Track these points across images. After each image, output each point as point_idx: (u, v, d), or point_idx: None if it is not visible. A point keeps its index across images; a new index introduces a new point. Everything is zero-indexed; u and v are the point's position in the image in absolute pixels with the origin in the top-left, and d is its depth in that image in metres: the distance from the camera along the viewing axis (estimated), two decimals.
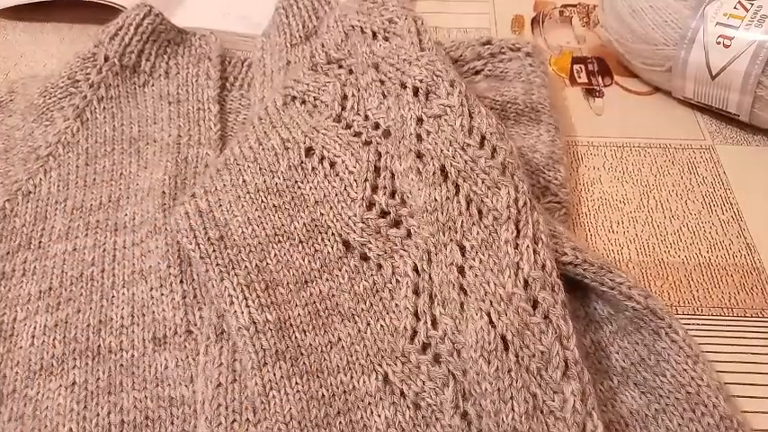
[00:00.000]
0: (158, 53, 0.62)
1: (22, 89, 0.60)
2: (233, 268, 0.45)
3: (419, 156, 0.47)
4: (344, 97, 0.53)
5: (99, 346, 0.44)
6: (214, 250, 0.45)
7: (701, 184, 0.57)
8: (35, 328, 0.45)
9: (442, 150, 0.47)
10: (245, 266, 0.45)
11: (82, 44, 0.67)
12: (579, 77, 0.68)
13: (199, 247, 0.46)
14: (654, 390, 0.42)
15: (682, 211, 0.55)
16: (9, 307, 0.46)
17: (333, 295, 0.45)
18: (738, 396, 0.44)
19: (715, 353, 0.46)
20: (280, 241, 0.47)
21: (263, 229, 0.47)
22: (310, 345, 0.42)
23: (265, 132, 0.52)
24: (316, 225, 0.47)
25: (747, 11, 0.57)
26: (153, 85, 0.60)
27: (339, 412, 0.40)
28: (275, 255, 0.46)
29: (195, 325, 0.45)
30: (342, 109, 0.52)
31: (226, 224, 0.47)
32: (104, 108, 0.58)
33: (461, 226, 0.44)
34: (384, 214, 0.47)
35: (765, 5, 0.57)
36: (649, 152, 0.60)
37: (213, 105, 0.59)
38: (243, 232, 0.47)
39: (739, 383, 0.44)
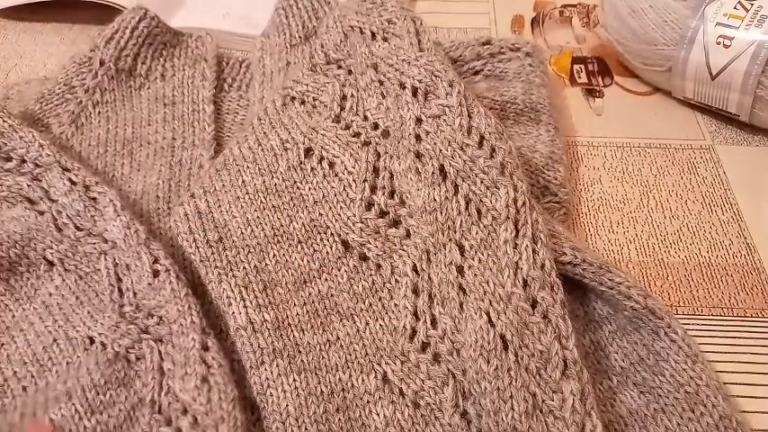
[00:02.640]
0: (154, 56, 0.62)
1: (18, 96, 0.60)
2: (231, 270, 0.45)
3: (418, 156, 0.47)
4: (343, 98, 0.53)
5: None
6: (213, 253, 0.46)
7: (701, 184, 0.57)
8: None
9: (440, 150, 0.47)
10: (244, 267, 0.45)
11: (82, 44, 0.67)
12: (579, 77, 0.68)
13: (198, 251, 0.46)
14: (653, 389, 0.42)
15: (682, 211, 0.55)
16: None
17: (332, 295, 0.45)
18: (738, 396, 0.44)
19: (715, 353, 0.46)
20: (279, 242, 0.47)
21: (262, 229, 0.47)
22: (309, 343, 0.42)
23: (264, 133, 0.52)
24: (315, 225, 0.47)
25: (747, 11, 0.57)
26: (149, 88, 0.60)
27: (338, 409, 0.40)
28: (274, 255, 0.46)
29: None
30: (341, 109, 0.52)
31: (225, 225, 0.47)
32: (99, 112, 0.58)
33: (460, 226, 0.44)
34: (383, 214, 0.47)
35: (765, 5, 0.57)
36: (649, 152, 0.60)
37: (208, 106, 0.59)
38: (242, 233, 0.47)
39: (739, 383, 0.44)
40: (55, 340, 0.43)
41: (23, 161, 0.49)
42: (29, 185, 0.48)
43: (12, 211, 0.48)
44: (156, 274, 0.44)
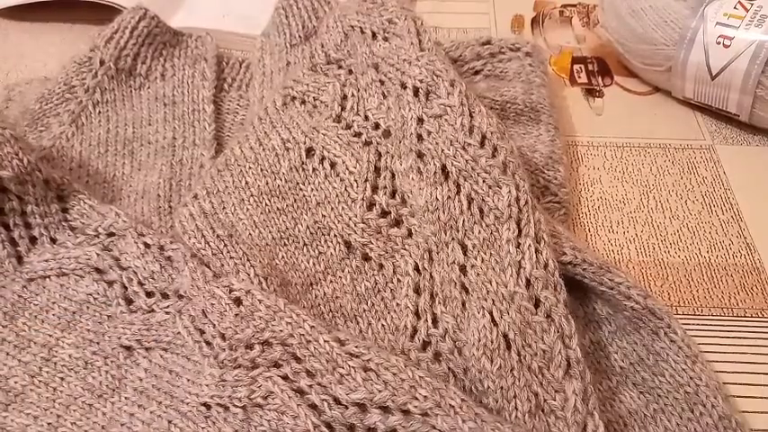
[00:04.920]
0: (154, 56, 0.62)
1: (20, 97, 0.60)
2: (248, 260, 0.45)
3: (420, 155, 0.47)
4: (344, 97, 0.53)
5: None
6: (225, 245, 0.46)
7: (701, 184, 0.57)
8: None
9: (442, 150, 0.47)
10: (260, 261, 0.45)
11: (82, 44, 0.67)
12: (579, 77, 0.68)
13: (209, 244, 0.46)
14: (652, 390, 0.42)
15: (682, 211, 0.55)
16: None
17: (336, 297, 0.45)
18: (738, 396, 0.44)
19: (715, 353, 0.46)
20: (285, 244, 0.47)
21: (270, 232, 0.47)
22: None
23: (265, 132, 0.52)
24: (318, 227, 0.47)
25: (747, 11, 0.57)
26: (149, 88, 0.61)
27: None
28: (282, 257, 0.46)
29: None
30: (342, 109, 0.52)
31: (232, 226, 0.47)
32: (100, 112, 0.58)
33: (463, 225, 0.44)
34: (384, 214, 0.47)
35: (765, 5, 0.57)
36: (649, 152, 0.60)
37: (208, 106, 0.59)
38: (250, 234, 0.47)
39: (739, 383, 0.45)
40: (170, 422, 0.39)
41: (97, 234, 0.46)
42: (98, 255, 0.45)
43: (80, 284, 0.45)
44: (238, 302, 0.41)
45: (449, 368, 0.41)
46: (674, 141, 0.61)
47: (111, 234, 0.46)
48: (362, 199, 0.47)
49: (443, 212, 0.45)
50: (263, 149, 0.51)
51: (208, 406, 0.39)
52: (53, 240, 0.46)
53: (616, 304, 0.44)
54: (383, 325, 0.43)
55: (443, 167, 0.46)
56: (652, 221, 0.54)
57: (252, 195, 0.49)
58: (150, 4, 0.64)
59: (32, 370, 0.42)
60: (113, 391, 0.41)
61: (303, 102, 0.54)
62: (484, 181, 0.45)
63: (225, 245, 0.46)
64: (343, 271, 0.46)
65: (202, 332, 0.41)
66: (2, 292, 0.45)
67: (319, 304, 0.44)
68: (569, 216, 0.54)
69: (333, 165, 0.50)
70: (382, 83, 0.52)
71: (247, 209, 0.48)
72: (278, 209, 0.48)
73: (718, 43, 0.57)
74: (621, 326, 0.44)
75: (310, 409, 0.37)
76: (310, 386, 0.37)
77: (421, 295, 0.43)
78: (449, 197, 0.45)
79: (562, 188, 0.53)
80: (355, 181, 0.48)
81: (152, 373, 0.41)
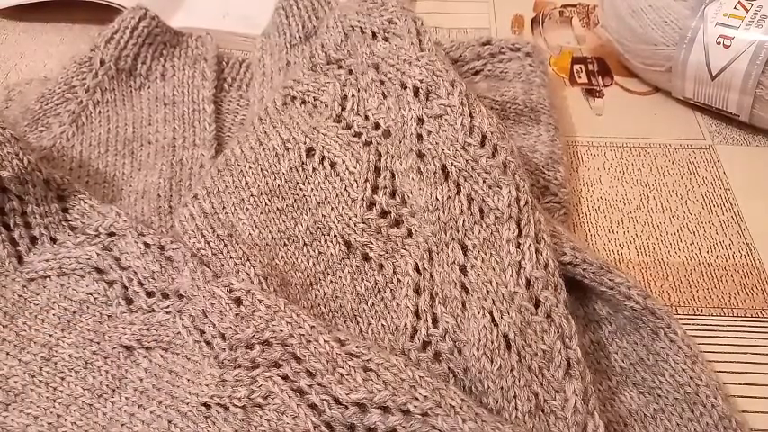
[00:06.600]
0: (154, 56, 0.62)
1: (20, 97, 0.60)
2: (248, 260, 0.45)
3: (420, 155, 0.47)
4: (344, 98, 0.53)
5: None
6: (225, 245, 0.46)
7: (701, 184, 0.57)
8: None
9: (442, 150, 0.47)
10: (260, 261, 0.45)
11: (82, 44, 0.67)
12: (579, 77, 0.68)
13: (209, 244, 0.46)
14: (652, 390, 0.42)
15: (682, 211, 0.55)
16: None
17: (336, 297, 0.45)
18: (738, 396, 0.44)
19: (715, 353, 0.46)
20: (285, 244, 0.47)
21: (270, 232, 0.47)
22: None
23: (265, 132, 0.52)
24: (318, 227, 0.47)
25: (747, 11, 0.57)
26: (149, 88, 0.61)
27: None
28: (282, 257, 0.46)
29: None
30: (342, 109, 0.52)
31: (232, 226, 0.47)
32: (100, 112, 0.58)
33: (463, 225, 0.44)
34: (384, 214, 0.47)
35: (765, 5, 0.57)
36: (649, 152, 0.60)
37: (208, 106, 0.59)
38: (250, 234, 0.47)
39: (739, 383, 0.45)
40: (170, 422, 0.39)
41: (97, 234, 0.46)
42: (98, 254, 0.45)
43: (80, 283, 0.45)
44: (238, 302, 0.41)
45: (449, 368, 0.41)
46: (674, 141, 0.61)
47: (111, 234, 0.46)
48: (362, 199, 0.47)
49: (443, 212, 0.45)
50: (263, 149, 0.51)
51: (208, 406, 0.39)
52: (53, 240, 0.46)
53: (616, 304, 0.44)
54: (383, 325, 0.43)
55: (443, 167, 0.46)
56: (652, 221, 0.55)
57: (252, 195, 0.49)
58: (150, 4, 0.64)
59: (33, 370, 0.42)
60: (113, 390, 0.41)
61: (303, 102, 0.54)
62: (484, 181, 0.45)
63: (225, 245, 0.46)
64: (343, 271, 0.46)
65: (202, 332, 0.41)
66: (2, 291, 0.45)
67: (319, 304, 0.44)
68: (569, 216, 0.54)
69: (333, 165, 0.50)
70: (382, 83, 0.52)
71: (247, 209, 0.48)
72: (278, 209, 0.48)
73: (719, 43, 0.57)
74: (621, 326, 0.44)
75: (310, 409, 0.37)
76: (310, 386, 0.38)
77: (421, 295, 0.43)
78: (449, 197, 0.45)
79: (562, 188, 0.53)
80: (355, 181, 0.48)
81: (152, 372, 0.41)
